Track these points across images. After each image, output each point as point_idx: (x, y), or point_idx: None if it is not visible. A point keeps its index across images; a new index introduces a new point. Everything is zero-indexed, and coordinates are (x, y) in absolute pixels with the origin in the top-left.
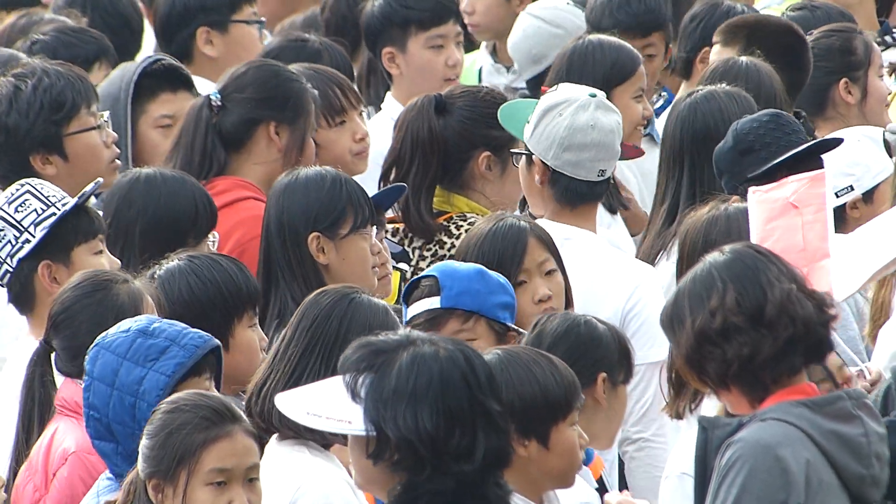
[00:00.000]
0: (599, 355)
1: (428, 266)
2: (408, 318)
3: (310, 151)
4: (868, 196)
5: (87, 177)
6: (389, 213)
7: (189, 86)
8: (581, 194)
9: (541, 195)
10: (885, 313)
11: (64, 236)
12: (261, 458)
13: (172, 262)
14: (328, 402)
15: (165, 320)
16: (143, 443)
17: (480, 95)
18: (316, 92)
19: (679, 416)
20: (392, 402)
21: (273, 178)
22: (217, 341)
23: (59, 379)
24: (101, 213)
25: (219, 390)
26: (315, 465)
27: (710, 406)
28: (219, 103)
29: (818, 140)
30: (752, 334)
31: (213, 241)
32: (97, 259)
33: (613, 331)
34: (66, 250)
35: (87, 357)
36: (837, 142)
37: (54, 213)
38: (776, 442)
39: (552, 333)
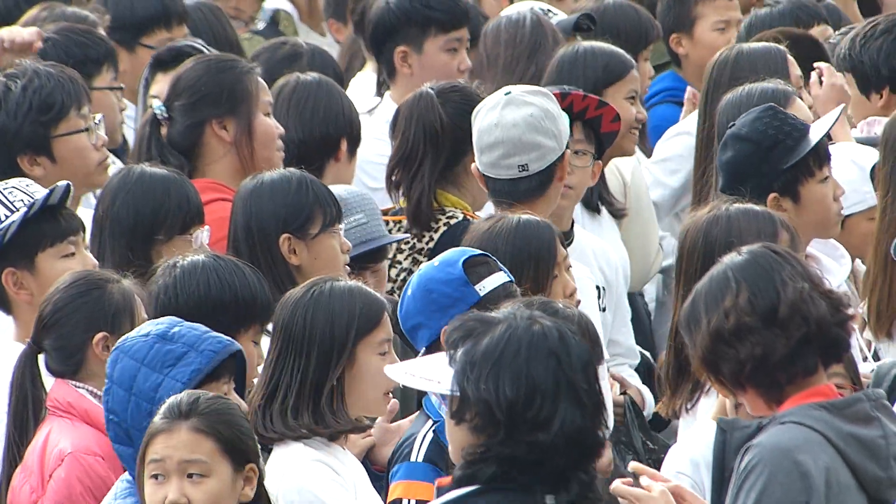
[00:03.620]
0: None
1: (406, 258)
2: (488, 292)
3: (263, 135)
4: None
5: (75, 179)
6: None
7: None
8: (505, 193)
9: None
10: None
11: (25, 243)
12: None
13: (197, 256)
14: (429, 367)
15: (187, 323)
16: None
17: (473, 90)
18: (259, 69)
19: (675, 416)
20: (478, 366)
21: (234, 172)
22: (238, 346)
23: (46, 380)
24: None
25: (241, 395)
26: (295, 456)
27: (708, 405)
28: (165, 115)
29: (837, 114)
30: (765, 334)
31: (197, 238)
32: (65, 262)
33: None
34: (29, 256)
35: (108, 360)
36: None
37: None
38: (795, 446)
39: None
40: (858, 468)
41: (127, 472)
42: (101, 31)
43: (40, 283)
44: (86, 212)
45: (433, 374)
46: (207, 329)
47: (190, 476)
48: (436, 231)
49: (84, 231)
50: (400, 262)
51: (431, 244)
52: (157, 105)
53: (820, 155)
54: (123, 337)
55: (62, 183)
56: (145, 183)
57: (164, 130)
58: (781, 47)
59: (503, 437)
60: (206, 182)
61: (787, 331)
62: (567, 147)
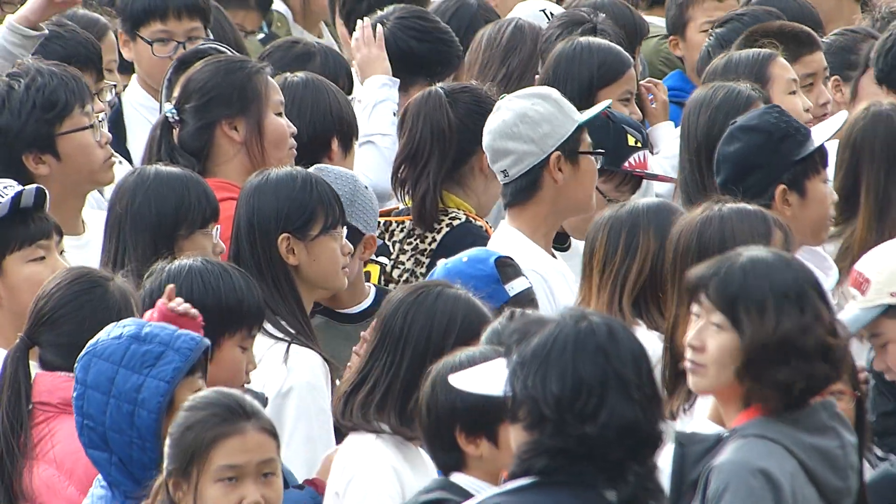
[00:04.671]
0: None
1: (408, 259)
2: (516, 293)
3: (274, 134)
4: None
5: (80, 176)
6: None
7: None
8: (503, 196)
9: None
10: None
11: None
12: None
13: (188, 259)
14: (490, 371)
15: (155, 323)
16: (166, 442)
17: (483, 91)
18: (269, 69)
19: (672, 417)
20: (527, 365)
21: (245, 172)
22: (208, 341)
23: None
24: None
25: None
26: (370, 453)
27: (704, 405)
28: (176, 118)
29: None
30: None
31: (217, 233)
32: (33, 266)
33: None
34: None
35: (76, 365)
36: None
37: None
38: (759, 457)
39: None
40: (819, 479)
41: (101, 478)
42: (111, 36)
43: (8, 286)
44: (90, 212)
45: (491, 377)
46: (175, 327)
47: (265, 476)
48: (438, 232)
49: (61, 235)
50: (403, 263)
51: (434, 245)
52: (167, 108)
53: (823, 156)
54: (93, 340)
55: (31, 187)
56: (163, 180)
57: (175, 133)
58: (772, 52)
59: (552, 432)
60: (217, 181)
61: (829, 371)
62: (558, 149)
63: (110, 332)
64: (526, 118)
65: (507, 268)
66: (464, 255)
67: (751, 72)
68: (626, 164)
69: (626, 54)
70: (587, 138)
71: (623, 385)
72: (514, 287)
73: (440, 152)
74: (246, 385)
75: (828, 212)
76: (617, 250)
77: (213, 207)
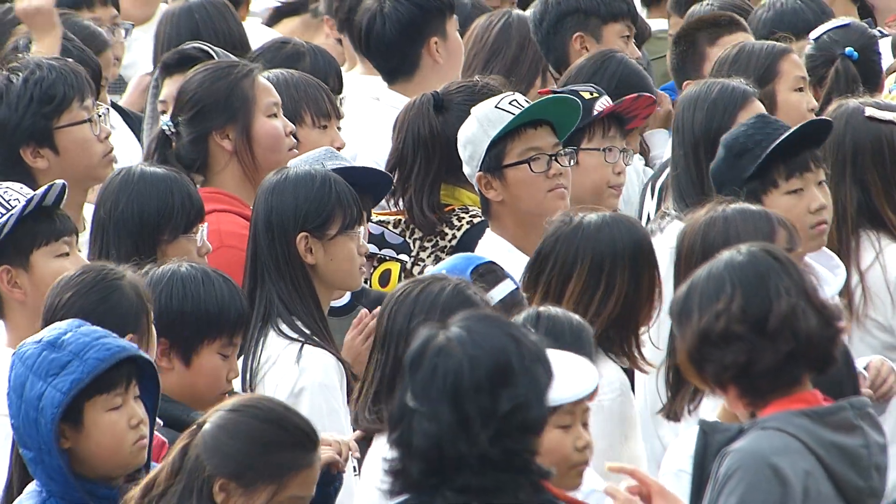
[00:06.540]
0: None
1: (428, 257)
2: (493, 304)
3: (266, 138)
4: None
5: (79, 171)
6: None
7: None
8: None
9: None
10: None
11: (20, 241)
12: None
13: (172, 264)
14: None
15: (85, 328)
16: (222, 439)
17: (478, 89)
18: (258, 70)
19: (676, 418)
20: None
21: (240, 180)
22: (135, 351)
23: None
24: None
25: (154, 405)
26: None
27: (709, 407)
28: (173, 130)
29: (804, 123)
30: (753, 343)
31: (201, 235)
32: (60, 262)
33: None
34: (24, 254)
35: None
36: (826, 124)
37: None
38: (774, 452)
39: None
40: (839, 477)
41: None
42: (109, 53)
43: (34, 281)
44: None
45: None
46: (106, 333)
47: None
48: (458, 229)
49: (78, 234)
50: (423, 261)
51: (454, 242)
52: (164, 121)
53: (793, 165)
54: (23, 341)
55: (58, 182)
56: (147, 183)
57: (173, 145)
58: (785, 47)
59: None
60: (209, 191)
61: (775, 343)
62: (481, 169)
63: (41, 332)
64: (459, 143)
65: (486, 276)
66: (444, 266)
67: (760, 65)
68: (595, 112)
69: (647, 75)
70: (520, 146)
71: (416, 412)
72: (493, 297)
73: (424, 158)
74: (229, 392)
75: (798, 222)
76: (595, 294)
77: (197, 210)
